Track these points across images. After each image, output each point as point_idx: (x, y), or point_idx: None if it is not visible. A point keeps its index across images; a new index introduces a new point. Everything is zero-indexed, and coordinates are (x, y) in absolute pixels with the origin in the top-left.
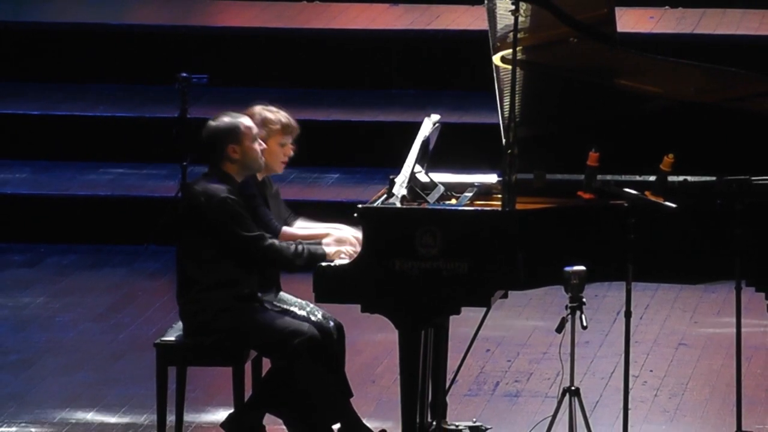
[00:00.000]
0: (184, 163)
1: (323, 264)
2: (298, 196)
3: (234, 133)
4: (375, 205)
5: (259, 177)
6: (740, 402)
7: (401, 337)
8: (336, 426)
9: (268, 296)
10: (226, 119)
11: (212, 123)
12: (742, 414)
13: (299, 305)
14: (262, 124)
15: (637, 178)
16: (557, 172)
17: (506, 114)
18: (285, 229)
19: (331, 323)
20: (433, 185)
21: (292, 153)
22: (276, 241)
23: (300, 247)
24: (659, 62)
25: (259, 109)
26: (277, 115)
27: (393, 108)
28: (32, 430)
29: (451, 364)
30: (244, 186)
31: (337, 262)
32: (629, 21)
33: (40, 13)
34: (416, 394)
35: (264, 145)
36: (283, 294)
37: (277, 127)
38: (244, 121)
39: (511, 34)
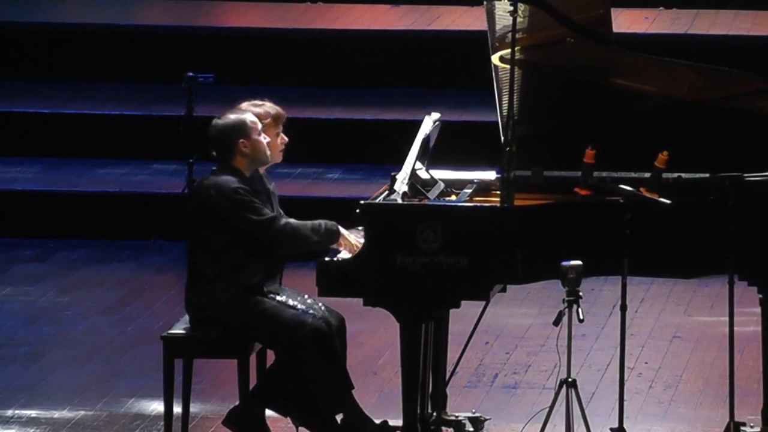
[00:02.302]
0: (191, 160)
1: (326, 259)
2: (301, 192)
3: (242, 128)
4: (377, 201)
5: (261, 171)
6: (733, 393)
7: (402, 330)
8: (339, 416)
9: (272, 287)
10: (232, 116)
11: (219, 121)
12: (735, 405)
13: (301, 298)
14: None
15: (633, 174)
16: (554, 169)
17: (505, 112)
18: None
19: (333, 316)
20: (433, 182)
21: (287, 139)
22: (291, 220)
23: (317, 222)
24: (654, 62)
25: (246, 106)
26: (264, 107)
27: (394, 107)
28: (42, 420)
29: (451, 356)
30: (251, 181)
31: (340, 256)
32: (624, 21)
33: (50, 14)
34: (417, 386)
35: (268, 138)
36: (284, 288)
37: (269, 120)
38: (249, 116)
39: (509, 35)
